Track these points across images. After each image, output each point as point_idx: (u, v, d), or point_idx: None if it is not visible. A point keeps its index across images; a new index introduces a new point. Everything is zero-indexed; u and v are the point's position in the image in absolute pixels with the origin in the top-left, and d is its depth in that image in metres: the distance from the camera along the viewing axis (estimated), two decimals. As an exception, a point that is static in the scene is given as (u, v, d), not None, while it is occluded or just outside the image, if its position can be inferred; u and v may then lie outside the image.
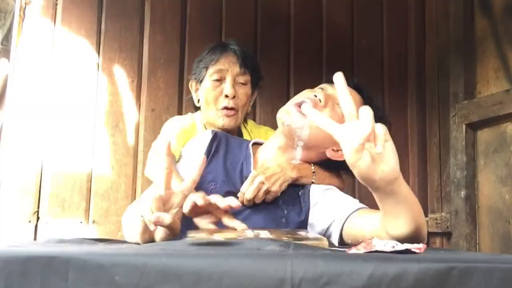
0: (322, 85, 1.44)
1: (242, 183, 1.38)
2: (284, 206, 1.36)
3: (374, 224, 1.16)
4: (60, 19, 2.19)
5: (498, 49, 2.41)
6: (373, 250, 0.81)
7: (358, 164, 0.94)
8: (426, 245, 0.85)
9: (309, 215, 1.34)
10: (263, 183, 1.34)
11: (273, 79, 2.46)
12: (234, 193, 1.36)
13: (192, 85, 1.89)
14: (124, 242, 1.16)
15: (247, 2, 2.56)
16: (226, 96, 1.76)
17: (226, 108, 1.76)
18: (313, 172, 1.42)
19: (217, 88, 1.77)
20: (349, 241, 1.25)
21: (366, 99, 1.45)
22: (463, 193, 2.43)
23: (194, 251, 0.75)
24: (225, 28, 2.49)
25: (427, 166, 2.73)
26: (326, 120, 0.97)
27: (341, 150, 1.39)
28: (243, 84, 1.80)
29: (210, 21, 2.47)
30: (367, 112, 0.92)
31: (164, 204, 1.00)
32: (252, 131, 1.95)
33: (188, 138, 1.67)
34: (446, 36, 2.67)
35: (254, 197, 1.35)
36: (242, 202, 1.35)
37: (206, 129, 1.83)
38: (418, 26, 2.83)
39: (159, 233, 1.03)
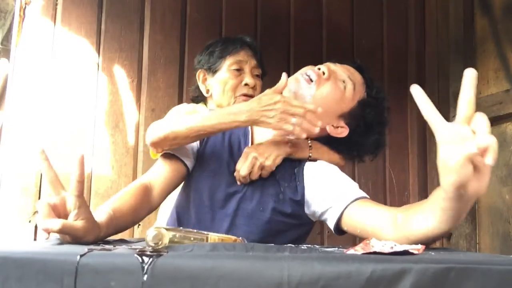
0: (325, 63, 1.42)
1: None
2: (281, 181, 1.33)
3: (376, 219, 1.14)
4: (60, 19, 2.19)
5: (498, 49, 2.41)
6: (371, 251, 0.80)
7: (460, 171, 0.82)
8: (424, 246, 0.84)
9: (305, 194, 1.31)
10: (256, 158, 1.32)
11: (273, 79, 2.45)
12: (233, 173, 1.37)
13: (200, 75, 1.90)
14: (124, 241, 1.15)
15: (247, 2, 2.56)
16: (246, 84, 1.83)
17: (245, 95, 1.83)
18: (310, 146, 1.39)
19: (236, 78, 1.84)
20: (346, 229, 1.23)
21: (367, 80, 1.43)
22: (463, 193, 2.43)
23: (189, 254, 0.75)
24: (225, 28, 2.49)
25: (427, 166, 2.73)
26: (433, 110, 0.87)
27: (341, 127, 1.38)
28: (257, 76, 1.89)
29: (210, 21, 2.47)
30: (484, 121, 0.82)
31: (61, 210, 0.96)
32: None
33: None
34: (446, 36, 2.67)
35: (249, 174, 1.33)
36: (239, 180, 1.34)
37: None
38: (418, 26, 2.83)
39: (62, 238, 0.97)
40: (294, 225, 1.33)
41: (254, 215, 1.31)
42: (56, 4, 2.19)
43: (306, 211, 1.31)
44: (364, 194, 1.26)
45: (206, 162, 1.40)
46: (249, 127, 1.46)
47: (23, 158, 2.06)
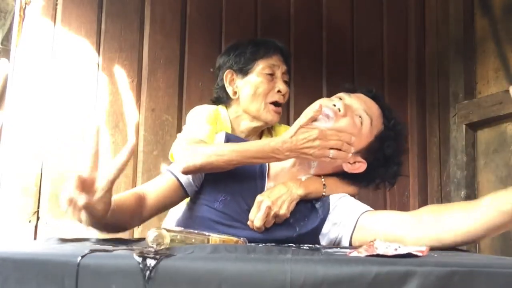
0: (339, 94, 1.37)
1: (255, 197, 1.33)
2: (296, 224, 1.31)
3: (387, 224, 1.16)
4: (60, 19, 2.18)
5: (498, 49, 2.41)
6: (375, 253, 0.80)
7: None
8: (429, 248, 0.84)
9: (323, 225, 1.29)
10: (270, 207, 1.28)
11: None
12: (246, 211, 1.33)
13: (228, 76, 1.85)
14: (125, 241, 1.15)
15: (247, 2, 2.55)
16: (279, 91, 1.80)
17: (276, 103, 1.80)
18: (324, 185, 1.35)
19: (269, 82, 1.80)
20: (358, 244, 1.22)
21: (384, 110, 1.38)
22: (463, 193, 2.43)
23: (191, 256, 0.75)
24: (225, 28, 2.48)
25: (427, 166, 2.73)
26: None
27: (358, 161, 1.33)
28: (286, 82, 1.84)
29: (210, 21, 2.47)
30: None
31: (89, 187, 1.01)
32: (274, 129, 1.94)
33: (214, 124, 1.70)
34: (446, 36, 2.67)
35: (264, 223, 1.30)
36: (252, 229, 1.31)
37: (231, 124, 1.82)
38: (418, 26, 2.83)
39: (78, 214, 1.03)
40: None
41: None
42: (56, 4, 2.18)
43: (322, 242, 1.30)
44: (371, 209, 1.27)
45: (213, 192, 1.36)
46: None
47: (23, 158, 2.05)
